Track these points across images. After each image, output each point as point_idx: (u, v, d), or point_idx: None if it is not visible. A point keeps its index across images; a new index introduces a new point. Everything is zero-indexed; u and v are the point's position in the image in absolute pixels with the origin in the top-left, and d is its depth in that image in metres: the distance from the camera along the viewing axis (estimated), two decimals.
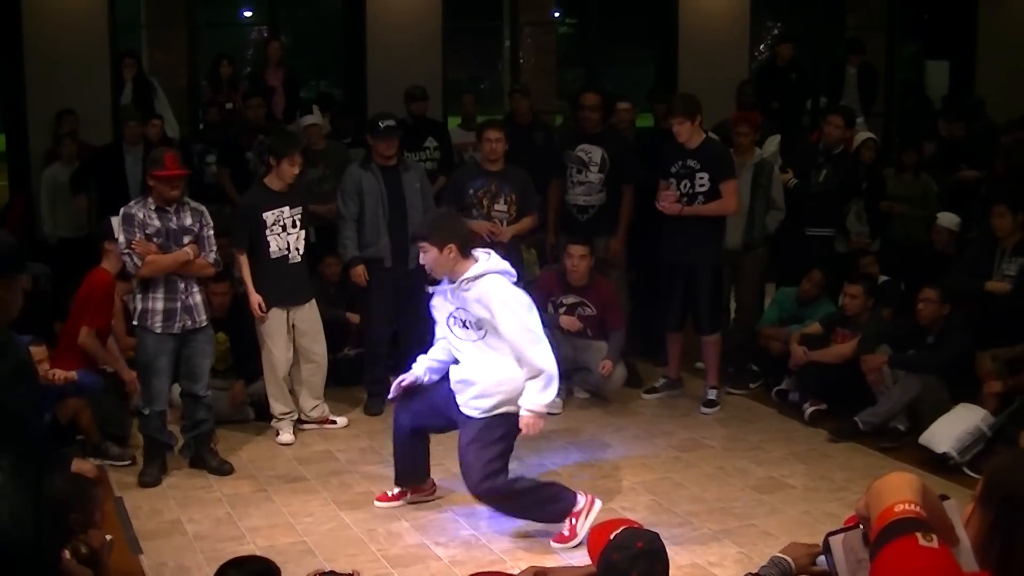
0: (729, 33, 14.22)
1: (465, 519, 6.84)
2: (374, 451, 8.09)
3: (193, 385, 7.59)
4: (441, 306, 6.58)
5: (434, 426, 6.96)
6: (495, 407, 6.40)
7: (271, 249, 8.07)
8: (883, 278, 9.62)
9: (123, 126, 11.07)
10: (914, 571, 1.50)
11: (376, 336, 8.97)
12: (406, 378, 6.79)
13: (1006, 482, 1.73)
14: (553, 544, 6.44)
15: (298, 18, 20.10)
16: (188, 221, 7.40)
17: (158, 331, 7.31)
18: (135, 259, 7.21)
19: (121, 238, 7.27)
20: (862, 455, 7.92)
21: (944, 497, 1.69)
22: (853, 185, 10.02)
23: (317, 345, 8.41)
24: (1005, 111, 12.57)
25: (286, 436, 8.25)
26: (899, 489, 1.64)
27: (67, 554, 4.88)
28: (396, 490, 7.10)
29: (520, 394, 6.35)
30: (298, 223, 8.16)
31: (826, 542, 1.80)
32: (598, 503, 6.52)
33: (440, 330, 6.67)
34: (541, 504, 6.50)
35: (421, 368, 6.78)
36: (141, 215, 7.27)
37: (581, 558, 5.70)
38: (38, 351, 6.74)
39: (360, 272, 8.71)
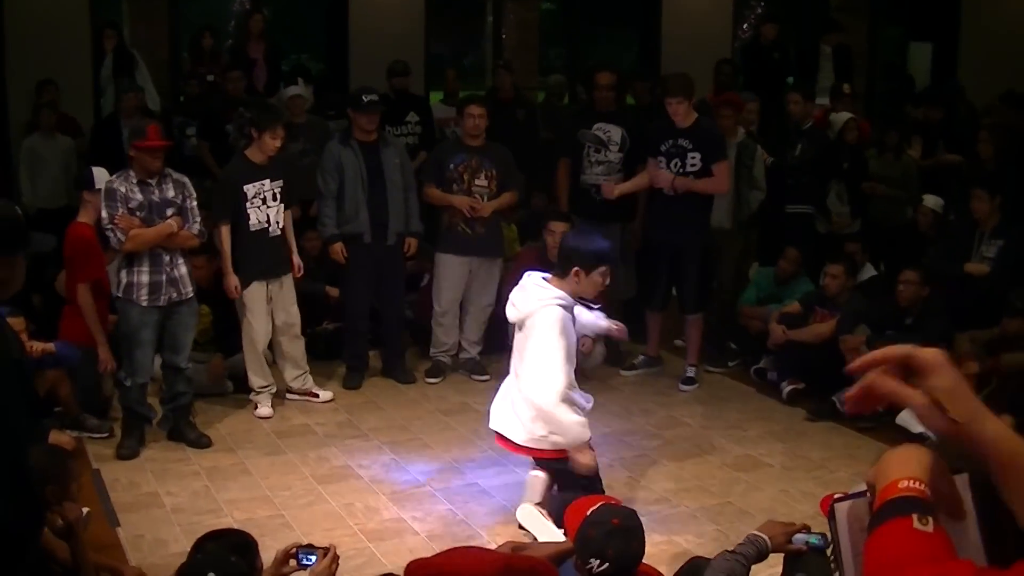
0: (712, 12, 14.20)
1: (443, 495, 6.85)
2: (352, 425, 8.09)
3: (175, 357, 7.57)
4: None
5: None
6: None
7: (251, 222, 8.05)
8: (871, 272, 9.62)
9: (120, 99, 11.03)
10: (903, 556, 1.50)
11: (355, 311, 8.96)
12: None
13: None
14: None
15: None
16: (171, 193, 7.36)
17: (144, 304, 7.29)
18: (119, 234, 7.16)
19: (104, 213, 7.21)
20: (839, 435, 7.95)
21: (957, 471, 1.68)
22: (830, 160, 10.04)
23: (291, 316, 8.40)
24: (988, 93, 12.57)
25: (265, 410, 8.25)
26: (908, 464, 1.64)
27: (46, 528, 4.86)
28: None
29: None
30: (278, 196, 8.13)
31: (831, 508, 1.78)
32: None
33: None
34: None
35: None
36: (123, 189, 7.22)
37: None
38: (15, 322, 6.70)
39: (338, 250, 8.68)
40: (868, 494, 1.71)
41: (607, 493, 6.01)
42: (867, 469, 1.80)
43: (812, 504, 6.30)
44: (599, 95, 9.35)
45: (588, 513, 4.05)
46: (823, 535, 4.20)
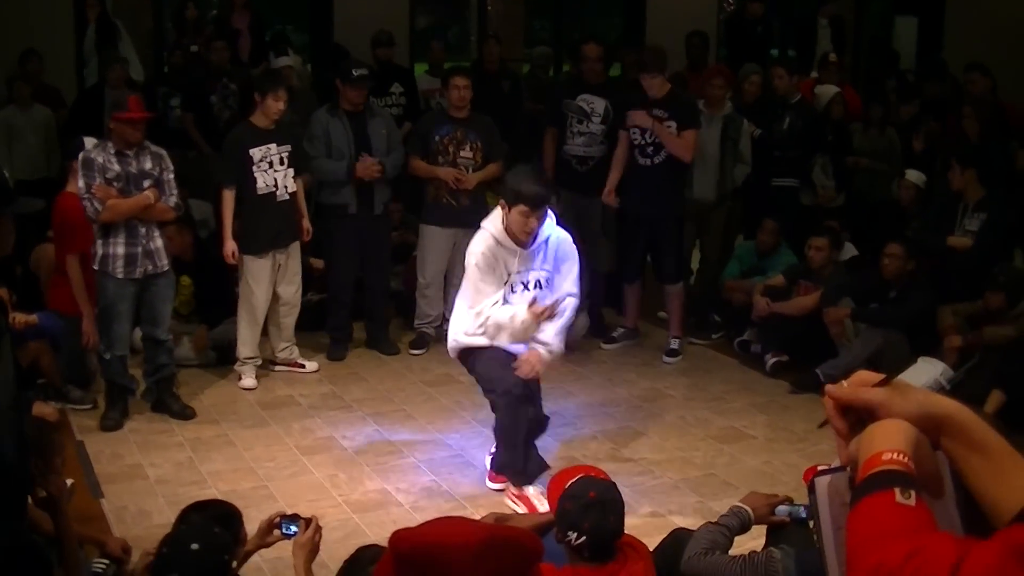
0: None
1: (427, 466, 6.87)
2: (336, 396, 8.09)
3: (155, 329, 7.55)
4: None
5: None
6: None
7: (258, 185, 8.06)
8: (852, 252, 9.62)
9: (106, 68, 10.97)
10: (886, 530, 1.50)
11: (340, 282, 8.95)
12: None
13: None
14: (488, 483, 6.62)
15: None
16: (148, 165, 7.32)
17: (119, 276, 7.26)
18: (95, 204, 7.13)
19: (81, 183, 7.18)
20: (822, 407, 7.91)
21: (937, 447, 1.69)
22: (817, 134, 10.05)
23: (293, 287, 8.44)
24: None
25: (249, 381, 8.24)
26: (891, 436, 1.64)
27: (30, 500, 4.85)
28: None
29: None
30: (286, 160, 8.14)
31: (812, 483, 1.78)
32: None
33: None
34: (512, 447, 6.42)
35: None
36: (101, 159, 7.19)
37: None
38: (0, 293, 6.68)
39: (364, 166, 8.59)
40: (849, 469, 1.71)
41: (590, 464, 6.03)
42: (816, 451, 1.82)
43: (795, 476, 6.34)
44: (587, 67, 9.32)
45: (567, 486, 4.05)
46: (806, 506, 4.21)
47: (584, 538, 3.90)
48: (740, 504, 4.29)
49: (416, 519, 5.96)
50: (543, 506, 6.21)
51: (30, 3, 11.50)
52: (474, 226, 6.49)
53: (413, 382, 8.35)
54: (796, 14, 15.04)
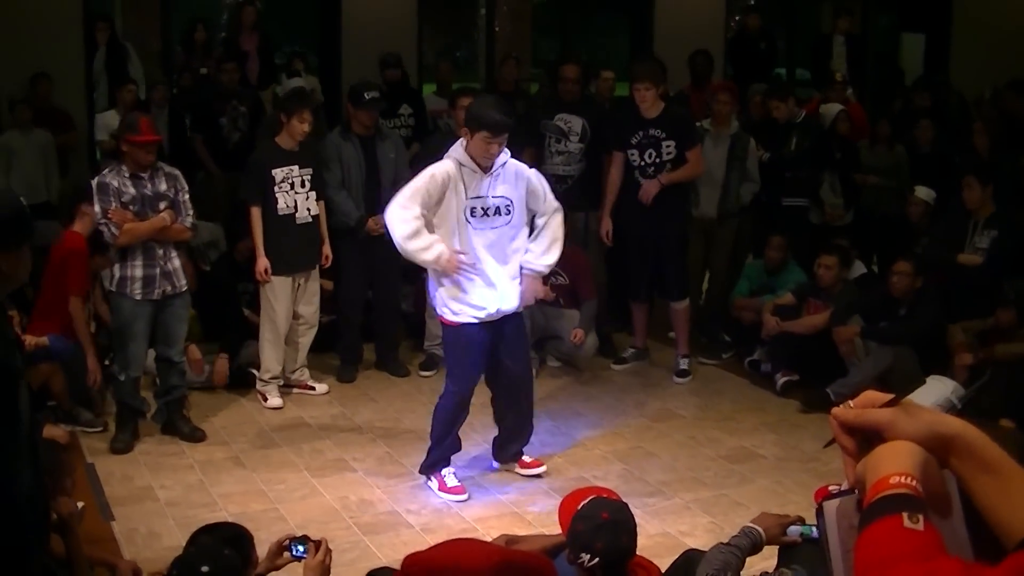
0: (705, 2, 14.18)
1: (440, 493, 6.84)
2: (346, 418, 8.09)
3: (168, 350, 7.56)
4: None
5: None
6: None
7: (279, 206, 8.09)
8: (861, 270, 9.62)
9: (152, 90, 11.13)
10: (895, 554, 1.49)
11: (349, 304, 8.95)
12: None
13: None
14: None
15: None
16: (163, 186, 7.35)
17: (137, 297, 7.28)
18: (112, 228, 7.15)
19: (97, 208, 7.20)
20: (831, 426, 7.93)
21: (944, 467, 1.69)
22: (825, 151, 10.04)
23: (312, 307, 8.49)
24: (980, 85, 12.59)
25: (275, 400, 8.26)
26: (899, 459, 1.63)
27: None
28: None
29: None
30: (307, 183, 8.16)
31: (819, 507, 1.78)
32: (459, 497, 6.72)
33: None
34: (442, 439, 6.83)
35: None
36: (116, 183, 7.21)
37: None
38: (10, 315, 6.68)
39: (372, 225, 8.52)
40: (857, 492, 1.71)
41: (600, 485, 6.02)
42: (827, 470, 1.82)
43: (806, 495, 6.31)
44: (564, 87, 9.35)
45: (579, 507, 4.04)
46: (817, 526, 4.20)
47: (597, 559, 3.88)
48: (751, 524, 4.27)
49: (427, 541, 5.96)
50: (449, 493, 6.70)
51: (40, 26, 11.53)
52: None
53: (423, 403, 8.33)
54: (810, 32, 15.05)
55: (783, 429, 7.94)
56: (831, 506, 1.76)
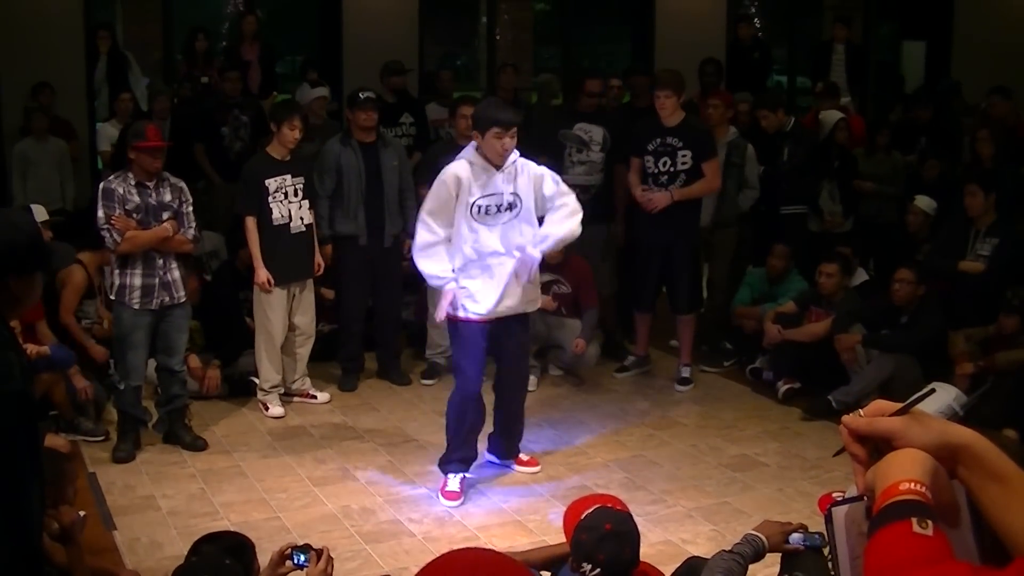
0: (706, 12, 14.20)
1: (439, 496, 6.84)
2: (348, 427, 8.08)
3: (169, 360, 7.56)
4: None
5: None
6: None
7: (273, 216, 8.10)
8: (863, 277, 9.62)
9: (153, 100, 11.14)
10: (904, 559, 1.50)
11: (351, 313, 8.95)
12: None
13: None
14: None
15: None
16: (167, 197, 7.35)
17: (136, 307, 7.28)
18: (114, 235, 7.16)
19: (100, 213, 7.20)
20: (835, 433, 7.86)
21: (953, 476, 1.69)
22: (820, 159, 10.03)
23: (307, 317, 8.47)
24: (981, 92, 12.60)
25: (276, 409, 8.26)
26: (908, 466, 1.64)
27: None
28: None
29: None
30: (300, 192, 8.17)
31: (829, 512, 1.78)
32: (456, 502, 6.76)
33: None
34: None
35: None
36: (121, 190, 7.21)
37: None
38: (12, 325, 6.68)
39: (327, 252, 8.64)
40: (866, 498, 1.71)
41: (605, 493, 6.01)
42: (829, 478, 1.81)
43: (808, 503, 6.32)
44: (588, 102, 9.34)
45: (582, 516, 4.03)
46: (820, 534, 4.20)
47: (599, 570, 3.87)
48: (754, 532, 4.26)
49: (429, 549, 5.96)
50: (444, 495, 6.73)
51: (42, 36, 11.56)
52: None
53: (425, 412, 8.34)
54: (811, 40, 15.07)
55: (785, 437, 7.93)
56: (840, 512, 1.77)
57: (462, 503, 6.72)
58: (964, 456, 1.68)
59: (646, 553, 4.34)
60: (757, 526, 4.35)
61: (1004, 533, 1.63)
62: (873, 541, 1.56)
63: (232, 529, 5.62)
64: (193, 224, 7.50)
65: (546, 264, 8.83)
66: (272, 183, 8.06)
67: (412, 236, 8.80)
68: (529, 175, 6.68)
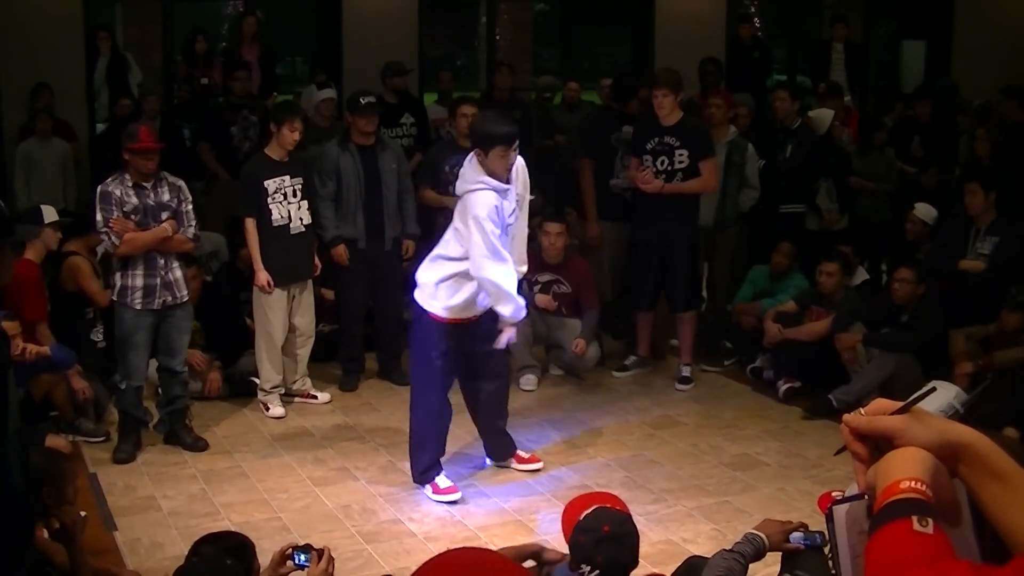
0: (706, 13, 14.21)
1: (432, 495, 6.84)
2: (349, 427, 8.08)
3: (171, 360, 7.55)
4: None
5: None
6: None
7: (273, 217, 8.10)
8: (864, 276, 9.62)
9: (141, 100, 11.14)
10: (904, 558, 1.50)
11: (351, 314, 8.95)
12: None
13: None
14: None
15: None
16: (166, 197, 7.35)
17: (138, 307, 7.28)
18: (113, 238, 7.16)
19: (99, 216, 7.20)
20: (836, 433, 7.87)
21: (954, 475, 1.69)
22: (821, 159, 10.03)
23: (307, 318, 8.47)
24: (980, 92, 12.61)
25: (277, 410, 8.26)
26: (909, 465, 1.64)
27: (44, 532, 4.86)
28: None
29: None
30: (299, 193, 8.17)
31: (830, 511, 1.78)
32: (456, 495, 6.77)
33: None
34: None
35: None
36: (118, 192, 7.21)
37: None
38: (10, 326, 6.69)
39: (341, 252, 8.67)
40: (867, 497, 1.71)
41: (604, 491, 6.01)
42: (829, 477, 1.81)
43: (809, 502, 6.31)
44: (634, 105, 9.35)
45: (581, 517, 4.02)
46: (820, 533, 4.20)
47: (597, 572, 3.87)
48: (754, 531, 4.26)
49: (430, 549, 5.95)
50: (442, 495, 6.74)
51: (41, 37, 11.56)
52: None
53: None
54: (812, 39, 15.08)
55: (786, 436, 7.94)
56: (841, 511, 1.77)
57: (461, 500, 6.73)
58: (965, 455, 1.68)
59: (647, 552, 4.36)
60: (758, 525, 4.35)
61: (1005, 531, 1.63)
62: (873, 540, 1.56)
63: (233, 529, 5.61)
64: (193, 223, 7.50)
65: (546, 264, 8.88)
66: (271, 184, 8.06)
67: (413, 237, 8.88)
68: (517, 170, 6.67)
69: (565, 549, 4.61)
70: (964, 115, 12.18)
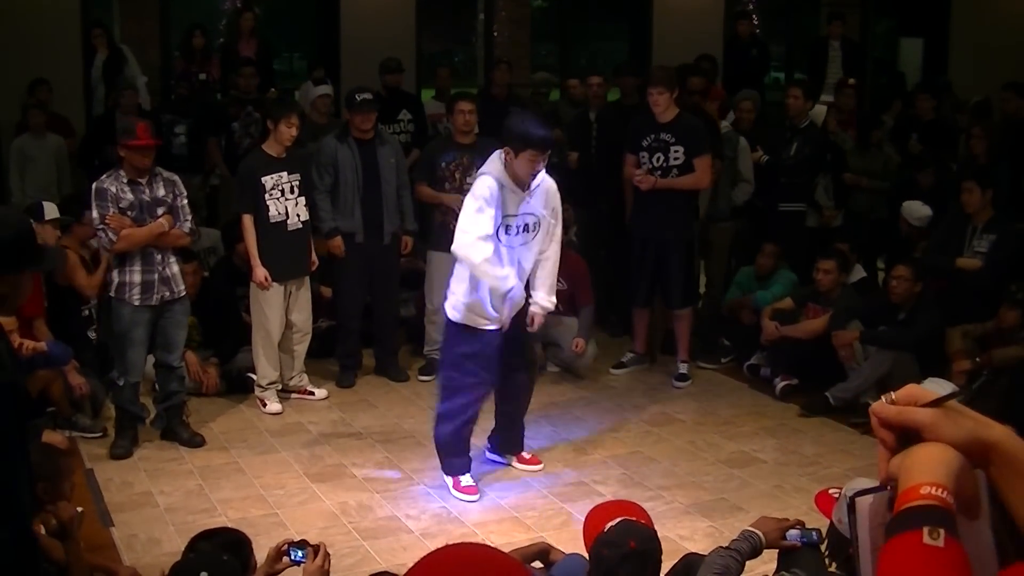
0: (704, 9, 14.20)
1: (437, 492, 6.85)
2: (346, 423, 8.08)
3: (168, 356, 7.55)
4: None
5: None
6: None
7: (270, 213, 8.09)
8: (861, 274, 9.61)
9: (118, 95, 11.07)
10: (911, 572, 1.49)
11: (349, 310, 8.95)
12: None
13: None
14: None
15: None
16: (161, 192, 7.34)
17: (136, 303, 7.27)
18: (109, 234, 7.15)
19: (95, 213, 7.20)
20: (832, 430, 7.95)
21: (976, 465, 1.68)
22: (821, 158, 10.04)
23: (304, 314, 8.47)
24: (977, 89, 12.61)
25: (274, 406, 8.26)
26: (934, 466, 1.62)
27: (41, 528, 4.86)
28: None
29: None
30: (296, 189, 8.16)
31: (852, 502, 1.76)
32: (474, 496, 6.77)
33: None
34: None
35: None
36: (114, 189, 7.20)
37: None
38: (7, 322, 6.67)
39: (338, 243, 8.67)
40: (889, 488, 1.69)
41: (600, 490, 6.02)
42: (860, 465, 1.81)
43: (806, 499, 6.31)
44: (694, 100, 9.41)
45: (606, 528, 3.97)
46: (817, 530, 4.21)
47: None
48: (751, 528, 4.27)
49: (427, 546, 5.96)
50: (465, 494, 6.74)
51: (38, 32, 11.54)
52: None
53: (422, 408, 8.33)
54: (810, 36, 15.08)
55: (782, 433, 7.94)
56: (864, 502, 1.75)
57: (459, 500, 6.74)
58: (994, 454, 1.65)
59: None
60: (754, 522, 4.35)
61: None
62: (885, 550, 1.55)
63: (229, 525, 5.61)
64: (189, 217, 7.50)
65: None
66: (268, 180, 8.05)
67: (411, 233, 8.88)
68: (548, 195, 6.62)
69: (568, 548, 4.61)
70: (962, 113, 12.17)
